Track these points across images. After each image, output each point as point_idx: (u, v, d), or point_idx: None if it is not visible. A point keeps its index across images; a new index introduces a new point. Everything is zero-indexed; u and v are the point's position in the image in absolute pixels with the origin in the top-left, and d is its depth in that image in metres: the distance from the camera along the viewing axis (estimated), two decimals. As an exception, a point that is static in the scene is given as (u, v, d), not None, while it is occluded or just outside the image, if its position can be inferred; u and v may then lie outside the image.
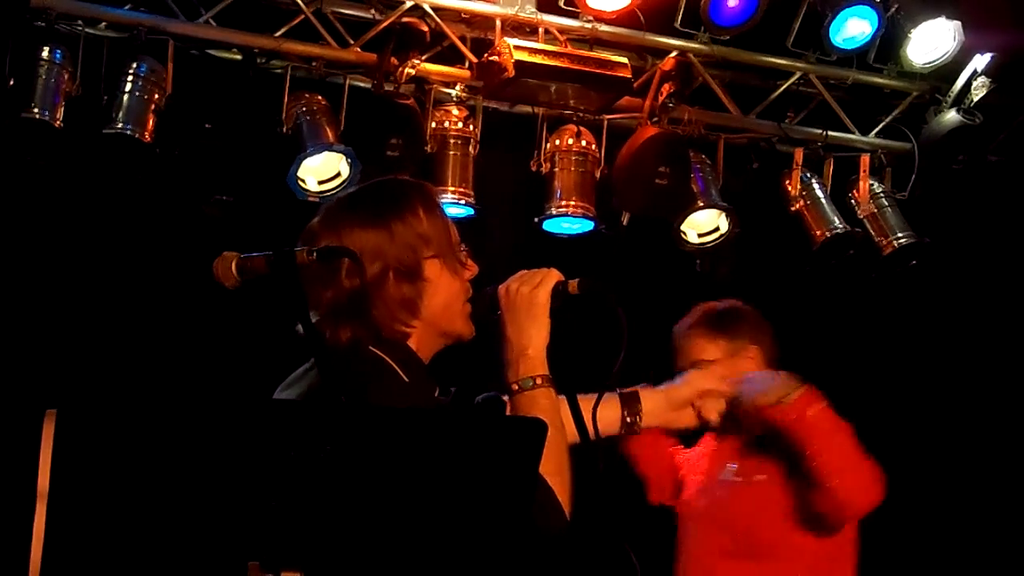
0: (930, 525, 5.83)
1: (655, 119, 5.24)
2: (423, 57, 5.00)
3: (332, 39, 4.94)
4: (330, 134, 4.86)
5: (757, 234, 5.57)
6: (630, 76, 5.02)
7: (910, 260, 5.57)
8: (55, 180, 4.70)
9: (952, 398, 5.91)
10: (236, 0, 4.82)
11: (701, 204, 5.38)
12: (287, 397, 2.40)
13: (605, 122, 5.31)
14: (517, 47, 4.86)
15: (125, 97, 4.63)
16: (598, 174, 5.28)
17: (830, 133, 5.57)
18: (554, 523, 2.29)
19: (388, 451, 1.85)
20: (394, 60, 4.87)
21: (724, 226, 5.45)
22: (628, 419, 2.72)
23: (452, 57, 5.11)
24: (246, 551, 1.84)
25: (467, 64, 5.09)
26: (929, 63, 5.37)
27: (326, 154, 4.86)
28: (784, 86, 5.51)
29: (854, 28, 5.21)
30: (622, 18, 5.12)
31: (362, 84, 5.01)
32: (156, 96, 4.67)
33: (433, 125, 5.07)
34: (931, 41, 5.32)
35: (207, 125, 4.80)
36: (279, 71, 4.92)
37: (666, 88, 5.20)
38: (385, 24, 4.90)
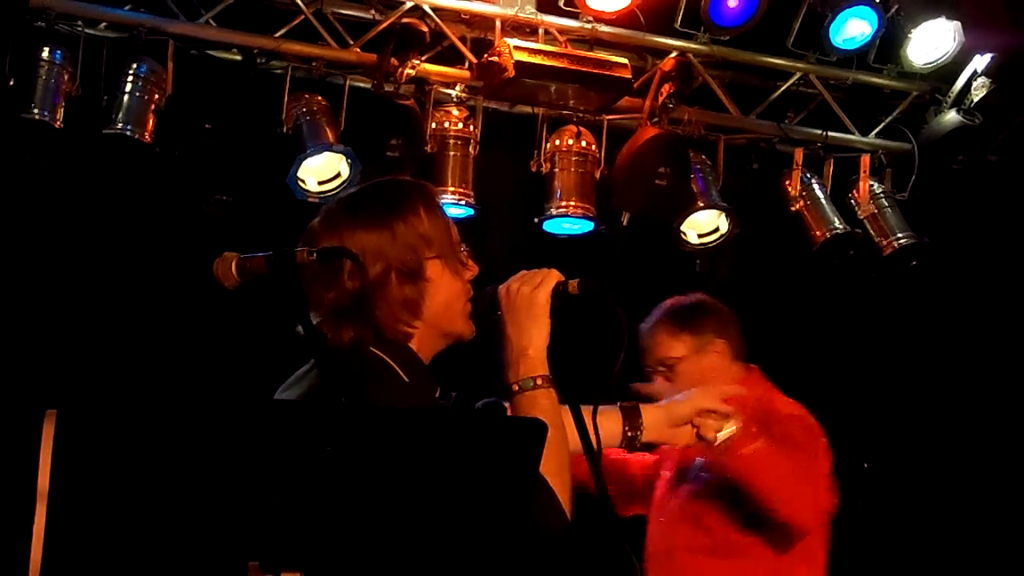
0: (930, 524, 5.83)
1: (655, 119, 5.24)
2: (423, 57, 5.00)
3: (332, 39, 4.94)
4: (330, 134, 4.87)
5: (757, 234, 5.57)
6: (630, 76, 5.02)
7: (910, 260, 5.57)
8: (55, 180, 4.70)
9: (952, 398, 5.91)
10: (236, 0, 4.82)
11: (701, 204, 5.38)
12: (287, 398, 2.40)
13: (605, 122, 5.31)
14: (517, 47, 4.86)
15: (125, 97, 4.63)
16: (598, 174, 5.28)
17: (830, 133, 5.57)
18: (554, 523, 2.28)
19: (388, 452, 1.85)
20: (394, 60, 4.87)
21: (724, 226, 5.45)
22: (629, 433, 2.72)
23: (452, 57, 5.11)
24: (246, 551, 1.84)
25: (467, 64, 5.09)
26: (929, 63, 5.37)
27: (326, 154, 4.86)
28: (784, 86, 5.51)
29: (854, 28, 5.22)
30: (622, 18, 5.12)
31: (362, 84, 5.01)
32: (156, 96, 4.67)
33: (433, 125, 5.07)
34: (931, 41, 5.32)
35: (207, 125, 4.81)
36: (279, 71, 4.92)
37: (666, 88, 5.20)
38: (385, 24, 4.90)
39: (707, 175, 5.43)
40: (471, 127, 5.14)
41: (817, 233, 5.48)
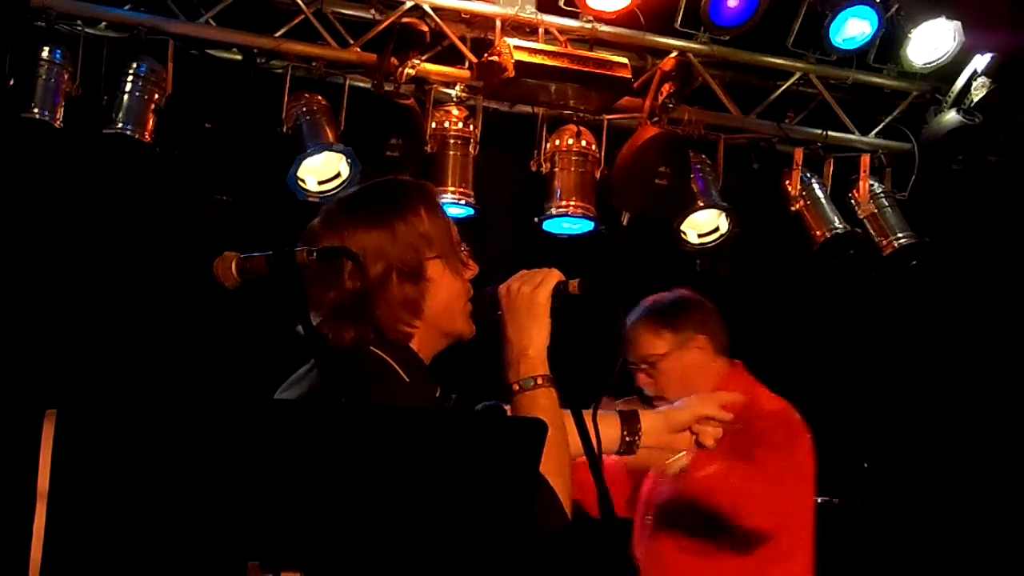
0: (930, 524, 5.83)
1: (655, 119, 5.24)
2: (423, 57, 5.00)
3: (332, 39, 4.94)
4: (330, 134, 4.86)
5: (757, 234, 5.57)
6: (630, 76, 5.02)
7: (910, 260, 5.57)
8: (55, 180, 4.70)
9: (952, 398, 5.91)
10: (236, 0, 4.82)
11: (701, 204, 5.38)
12: (288, 398, 2.40)
13: (605, 122, 5.31)
14: (517, 47, 4.86)
15: (125, 97, 4.63)
16: (598, 174, 5.28)
17: (830, 133, 5.57)
18: (555, 523, 2.29)
19: (388, 451, 1.85)
20: (394, 60, 4.87)
21: (724, 226, 5.45)
22: (627, 438, 2.72)
23: (452, 57, 5.11)
24: (246, 551, 1.84)
25: (467, 64, 5.09)
26: (929, 63, 5.37)
27: (326, 154, 4.86)
28: (784, 86, 5.51)
29: (854, 28, 5.21)
30: (622, 18, 5.12)
31: (362, 84, 5.01)
32: (156, 96, 4.67)
33: (433, 125, 5.07)
34: (931, 41, 5.32)
35: (207, 125, 4.81)
36: (279, 71, 4.92)
37: (666, 88, 5.20)
38: (385, 24, 4.90)
39: (707, 175, 5.43)
40: (471, 127, 5.14)
41: (817, 233, 5.48)
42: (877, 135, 5.66)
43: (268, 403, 2.27)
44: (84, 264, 4.89)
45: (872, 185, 5.59)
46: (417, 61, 4.96)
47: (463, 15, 5.08)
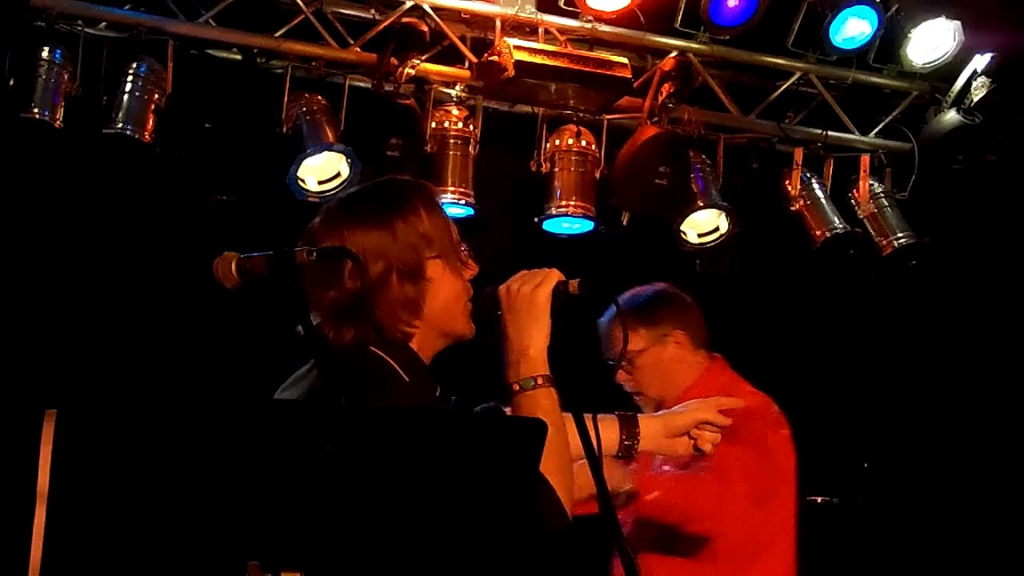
0: (930, 524, 5.83)
1: (655, 119, 5.24)
2: (423, 57, 5.00)
3: (332, 39, 4.94)
4: (330, 134, 4.86)
5: (757, 234, 5.57)
6: (630, 76, 5.02)
7: (910, 260, 5.57)
8: (55, 180, 4.70)
9: (952, 398, 5.91)
10: (236, 0, 4.82)
11: (701, 204, 5.38)
12: (288, 397, 2.40)
13: (605, 122, 5.31)
14: (517, 47, 4.86)
15: (125, 97, 4.63)
16: (598, 174, 5.28)
17: (830, 133, 5.57)
18: (555, 523, 2.29)
19: (388, 451, 1.85)
20: (394, 60, 4.87)
21: (724, 226, 5.45)
22: (626, 442, 2.72)
23: (452, 57, 5.11)
24: (246, 551, 1.84)
25: (467, 64, 5.09)
26: (929, 63, 5.37)
27: (326, 154, 4.86)
28: (784, 86, 5.51)
29: (854, 28, 5.21)
30: (622, 18, 5.12)
31: (362, 84, 5.01)
32: (156, 96, 4.67)
33: (433, 125, 5.07)
34: (931, 41, 5.32)
35: (207, 125, 4.80)
36: (279, 71, 4.92)
37: (666, 88, 5.20)
38: (385, 24, 4.90)
39: (707, 175, 5.43)
40: (471, 127, 5.14)
41: (817, 233, 5.48)
42: (877, 135, 5.66)
43: (268, 403, 2.27)
44: (84, 264, 4.88)
45: (872, 185, 5.59)
46: (417, 61, 4.96)
47: (463, 15, 5.07)
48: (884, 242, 5.54)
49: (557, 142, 5.26)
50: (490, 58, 4.94)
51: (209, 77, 4.83)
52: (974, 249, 5.81)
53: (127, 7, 4.72)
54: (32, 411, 1.78)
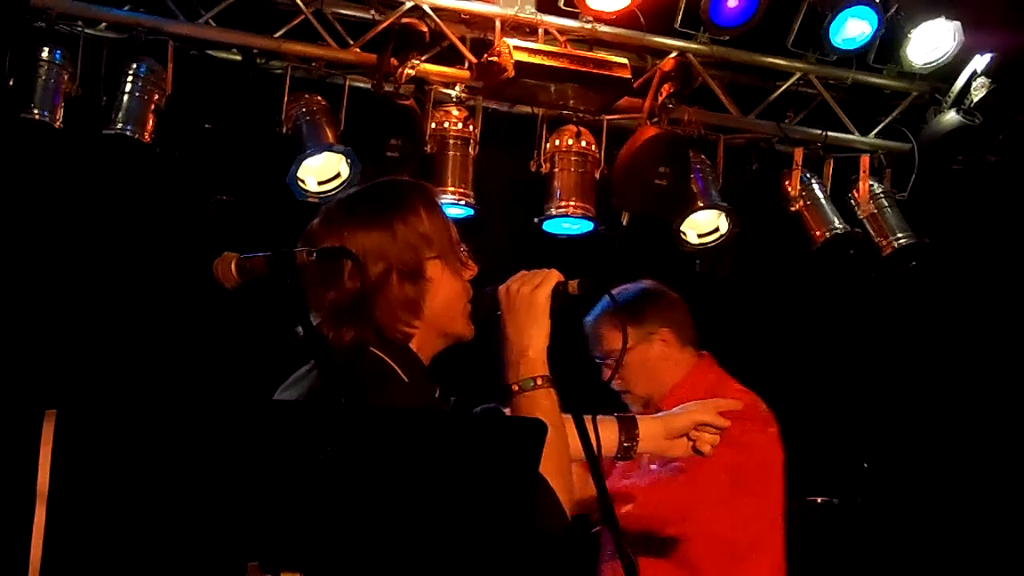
0: (930, 524, 5.83)
1: (655, 119, 5.24)
2: (423, 57, 5.00)
3: (332, 39, 4.94)
4: (330, 134, 4.86)
5: (757, 234, 5.57)
6: (630, 76, 5.02)
7: (910, 260, 5.57)
8: (55, 180, 4.70)
9: (952, 398, 5.91)
10: (236, 0, 4.82)
11: (701, 204, 5.38)
12: (287, 398, 2.40)
13: (605, 122, 5.31)
14: (517, 47, 4.86)
15: (125, 97, 4.63)
16: (598, 174, 5.28)
17: (830, 133, 5.57)
18: (554, 523, 2.29)
19: (388, 452, 1.85)
20: (394, 60, 4.87)
21: (724, 226, 5.45)
22: (625, 443, 2.72)
23: (452, 57, 5.11)
24: (246, 551, 1.84)
25: (467, 64, 5.09)
26: (929, 63, 5.37)
27: (326, 154, 4.86)
28: (784, 86, 5.51)
29: (854, 28, 5.21)
30: (622, 18, 5.12)
31: (362, 84, 5.01)
32: (156, 96, 4.67)
33: (433, 125, 5.07)
34: (931, 41, 5.32)
35: (207, 125, 4.80)
36: (279, 71, 4.92)
37: (666, 88, 5.20)
38: (385, 24, 4.90)
39: (707, 175, 5.43)
40: (471, 127, 5.14)
41: (817, 233, 5.48)
42: (877, 135, 5.66)
43: (268, 403, 2.27)
44: (84, 264, 4.89)
45: (872, 185, 5.59)
46: (417, 61, 4.96)
47: (463, 15, 5.07)
48: (884, 242, 5.54)
49: (557, 142, 5.26)
50: (490, 58, 4.94)
51: (209, 77, 4.83)
52: (974, 249, 5.81)
53: (127, 7, 4.73)
54: (32, 411, 1.78)
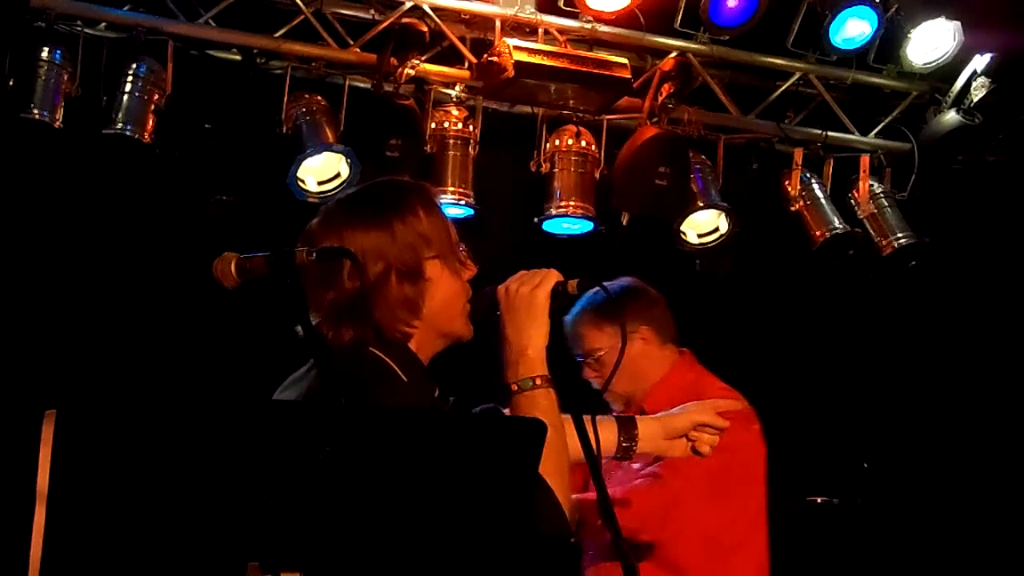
0: (930, 524, 5.83)
1: (655, 119, 5.24)
2: (423, 57, 5.00)
3: (332, 39, 4.94)
4: (330, 134, 4.86)
5: (757, 234, 5.57)
6: (630, 76, 5.02)
7: (910, 260, 5.57)
8: (55, 180, 4.70)
9: (952, 398, 5.91)
10: (236, 0, 4.82)
11: (701, 204, 5.38)
12: (287, 398, 2.40)
13: (605, 122, 5.31)
14: (517, 47, 4.86)
15: (125, 97, 4.63)
16: (598, 174, 5.28)
17: (830, 133, 5.57)
18: (553, 524, 2.29)
19: (388, 452, 1.85)
20: (394, 60, 4.87)
21: (724, 226, 5.45)
22: (624, 443, 2.72)
23: (452, 57, 5.11)
24: (246, 551, 1.84)
25: (467, 64, 5.09)
26: (929, 63, 5.37)
27: (326, 154, 4.86)
28: (784, 86, 5.51)
29: (854, 28, 5.21)
30: (622, 18, 5.11)
31: (362, 84, 5.01)
32: (156, 96, 4.67)
33: (433, 125, 5.07)
34: (931, 41, 5.32)
35: (207, 125, 4.80)
36: (279, 71, 4.92)
37: (666, 88, 5.20)
38: (385, 25, 4.90)
39: (707, 175, 5.43)
40: (471, 127, 5.14)
41: (817, 233, 5.48)
42: (877, 135, 5.66)
43: (267, 403, 2.27)
44: (84, 264, 4.88)
45: (872, 185, 5.59)
46: (417, 61, 4.96)
47: (463, 15, 5.07)
48: (884, 242, 5.54)
49: (557, 142, 5.26)
50: (490, 58, 4.94)
51: (209, 77, 4.83)
52: (974, 249, 5.81)
53: (127, 7, 4.72)
54: (32, 411, 1.78)
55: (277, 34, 4.85)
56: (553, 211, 5.23)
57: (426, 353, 2.46)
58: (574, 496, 2.52)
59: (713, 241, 5.48)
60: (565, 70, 4.92)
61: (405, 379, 2.35)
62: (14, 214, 4.66)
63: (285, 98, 4.89)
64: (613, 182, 5.28)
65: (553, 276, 2.49)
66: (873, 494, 5.64)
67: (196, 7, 4.79)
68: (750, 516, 3.73)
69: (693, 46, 5.30)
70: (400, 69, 4.88)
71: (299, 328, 2.27)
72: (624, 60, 5.04)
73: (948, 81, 5.48)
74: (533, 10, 5.06)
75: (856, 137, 5.62)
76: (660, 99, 5.20)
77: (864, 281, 5.68)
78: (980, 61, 5.33)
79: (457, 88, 5.13)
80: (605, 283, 3.79)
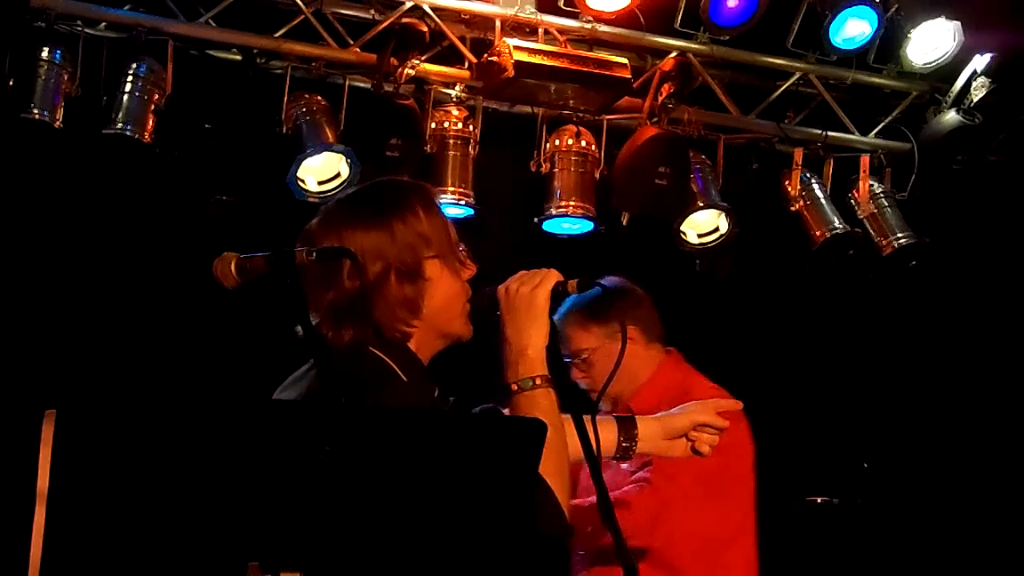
0: (930, 524, 5.83)
1: (655, 119, 5.24)
2: (423, 57, 5.00)
3: (332, 39, 4.94)
4: (330, 134, 4.87)
5: (757, 234, 5.57)
6: (630, 76, 5.02)
7: (910, 260, 5.57)
8: (55, 180, 4.70)
9: (952, 398, 5.91)
10: (236, 0, 4.82)
11: (701, 204, 5.38)
12: (287, 398, 2.40)
13: (605, 122, 5.31)
14: (517, 47, 4.86)
15: (125, 97, 4.63)
16: (598, 174, 5.28)
17: (830, 133, 5.57)
18: (554, 523, 2.29)
19: (387, 452, 1.85)
20: (394, 60, 4.87)
21: (724, 226, 5.45)
22: (624, 443, 2.72)
23: (452, 57, 5.11)
24: (246, 551, 1.84)
25: (467, 64, 5.09)
26: (929, 63, 5.37)
27: (326, 154, 4.86)
28: (784, 86, 5.51)
29: (854, 28, 5.22)
30: (622, 18, 5.12)
31: (362, 84, 5.01)
32: (156, 96, 4.67)
33: (433, 125, 5.07)
34: (931, 41, 5.32)
35: (207, 125, 4.80)
36: (279, 71, 4.92)
37: (666, 88, 5.20)
38: (385, 24, 4.90)
39: (707, 175, 5.43)
40: (471, 127, 5.14)
41: (817, 233, 5.48)
42: (877, 135, 5.66)
43: (267, 403, 2.27)
44: (84, 264, 4.88)
45: (872, 185, 5.59)
46: (417, 61, 4.96)
47: (463, 15, 5.07)
48: (884, 242, 5.54)
49: (557, 142, 5.26)
50: (490, 58, 4.94)
51: (209, 77, 4.83)
52: (974, 249, 5.81)
53: (127, 7, 4.73)
54: (32, 411, 1.78)
55: (277, 34, 4.85)
56: (553, 211, 5.23)
57: (426, 353, 2.46)
58: None
59: (713, 241, 5.48)
60: (565, 70, 4.92)
61: (405, 379, 2.35)
62: (14, 214, 4.66)
63: (285, 98, 4.89)
64: (613, 182, 5.28)
65: (553, 276, 2.49)
66: (873, 494, 5.64)
67: (196, 7, 4.79)
68: (741, 513, 3.73)
69: (693, 46, 5.30)
70: (400, 69, 4.88)
71: (299, 328, 2.27)
72: (624, 60, 5.04)
73: (948, 81, 5.48)
74: (533, 10, 5.06)
75: (856, 137, 5.62)
76: (660, 99, 5.20)
77: (864, 281, 5.69)
78: (980, 61, 5.33)
79: (457, 88, 5.13)
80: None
